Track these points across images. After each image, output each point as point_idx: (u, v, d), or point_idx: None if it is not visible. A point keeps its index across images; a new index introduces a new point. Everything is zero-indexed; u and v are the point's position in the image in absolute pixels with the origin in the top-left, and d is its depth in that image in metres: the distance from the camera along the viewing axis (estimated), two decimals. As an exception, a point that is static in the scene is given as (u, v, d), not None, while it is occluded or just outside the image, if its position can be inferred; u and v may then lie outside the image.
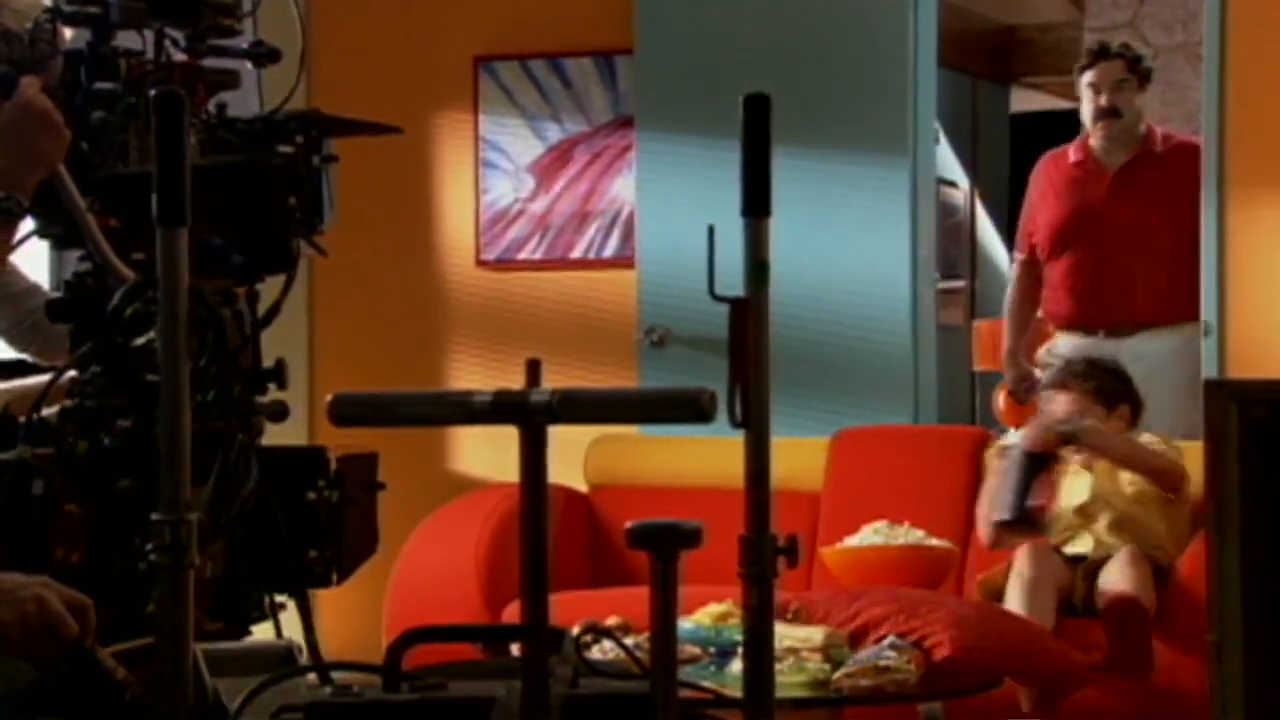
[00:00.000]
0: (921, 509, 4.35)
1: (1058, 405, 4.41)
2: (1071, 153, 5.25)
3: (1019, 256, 5.32)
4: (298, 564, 2.12)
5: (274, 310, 2.16)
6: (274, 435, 2.22)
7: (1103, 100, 5.14)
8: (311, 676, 1.87)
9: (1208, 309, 5.09)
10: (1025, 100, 8.43)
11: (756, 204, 1.56)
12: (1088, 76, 5.19)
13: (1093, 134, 5.19)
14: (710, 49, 5.27)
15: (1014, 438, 4.30)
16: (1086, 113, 5.20)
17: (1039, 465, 4.04)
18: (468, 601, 4.50)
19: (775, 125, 1.57)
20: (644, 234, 5.39)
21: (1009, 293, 5.33)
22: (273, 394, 2.16)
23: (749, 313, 1.52)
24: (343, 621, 5.34)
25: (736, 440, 1.56)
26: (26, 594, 1.70)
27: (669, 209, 5.28)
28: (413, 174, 5.70)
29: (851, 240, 5.06)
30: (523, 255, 5.62)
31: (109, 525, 1.99)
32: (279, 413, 2.13)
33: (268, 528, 2.10)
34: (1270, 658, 1.65)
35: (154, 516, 1.44)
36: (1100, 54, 5.25)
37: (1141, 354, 4.95)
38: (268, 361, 2.16)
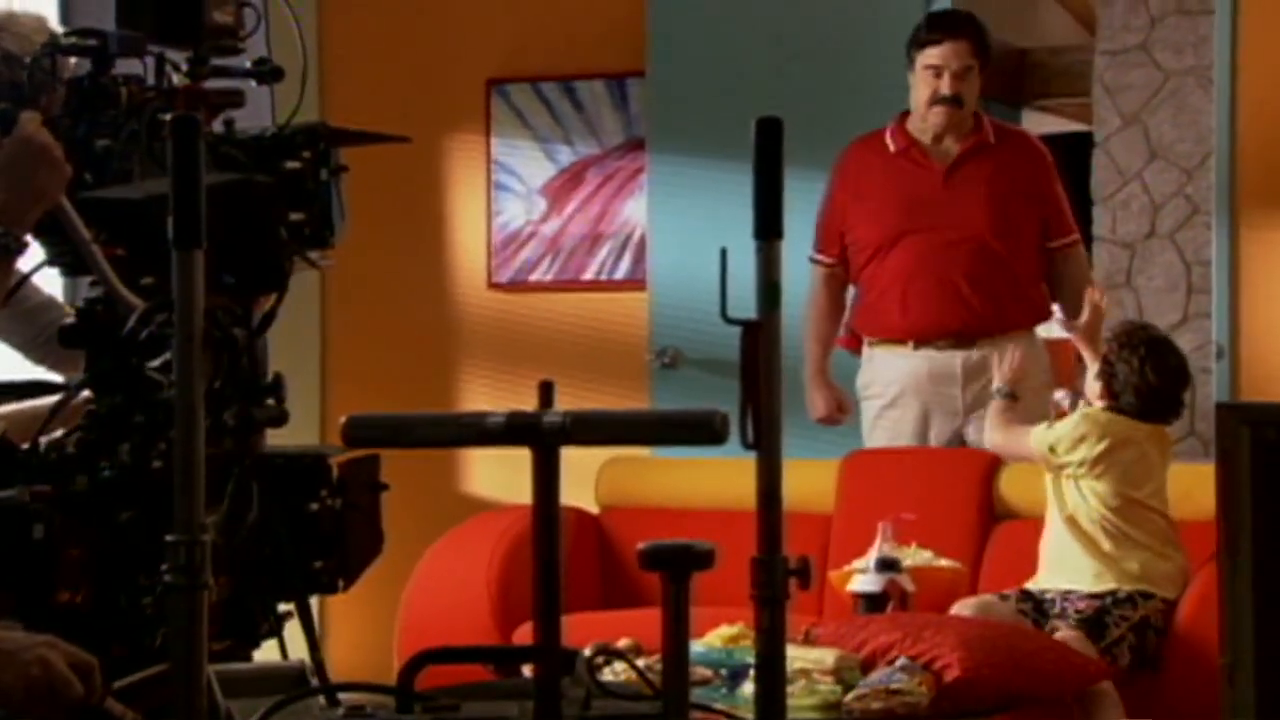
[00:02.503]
0: (931, 531, 4.34)
1: (936, 55, 4.35)
2: (891, 141, 4.61)
3: (824, 260, 4.67)
4: (303, 575, 2.12)
5: (267, 320, 2.17)
6: (280, 440, 2.22)
7: (945, 86, 4.49)
8: (323, 698, 1.87)
9: (1219, 331, 5.08)
10: (1037, 123, 8.43)
11: (768, 226, 1.56)
12: (929, 55, 4.50)
13: (924, 120, 4.56)
14: (722, 72, 5.28)
15: (860, 570, 4.08)
16: (921, 96, 4.53)
17: (879, 604, 4.04)
18: (479, 623, 4.49)
19: (787, 148, 1.57)
20: (655, 256, 5.39)
21: (811, 303, 4.66)
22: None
23: (761, 335, 1.52)
24: (354, 642, 5.34)
25: (748, 462, 1.56)
26: (30, 656, 1.68)
27: (680, 231, 5.29)
28: (425, 195, 5.72)
29: (863, 262, 5.05)
30: (534, 277, 5.63)
31: (112, 563, 1.99)
32: (278, 418, 2.13)
33: (272, 540, 2.11)
34: (1282, 681, 1.64)
35: (169, 537, 1.44)
36: (946, 28, 4.54)
37: (982, 368, 4.47)
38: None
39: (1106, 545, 4.08)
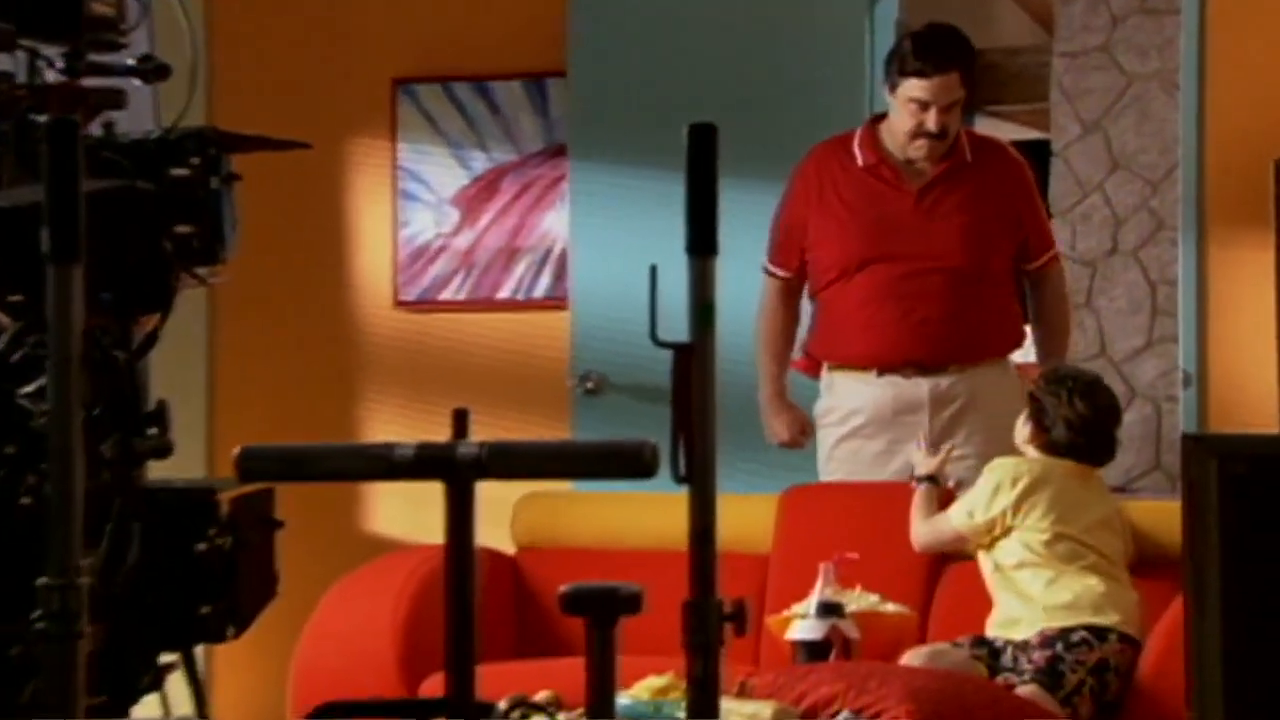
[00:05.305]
0: (877, 572, 4.36)
1: (923, 90, 4.43)
2: (860, 153, 4.60)
3: (779, 273, 4.69)
4: (189, 621, 2.11)
5: (150, 341, 2.16)
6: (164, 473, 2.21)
7: (931, 122, 4.49)
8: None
9: (1186, 357, 5.14)
10: (990, 130, 8.51)
11: (702, 241, 1.57)
12: (915, 87, 4.48)
13: (904, 150, 4.56)
14: (650, 72, 5.30)
15: (800, 615, 4.12)
16: (903, 126, 4.52)
17: (821, 653, 4.08)
18: (383, 673, 4.47)
19: (722, 156, 1.59)
20: (578, 273, 5.40)
21: (764, 319, 4.70)
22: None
23: (693, 359, 1.53)
24: (244, 696, 5.30)
25: (679, 497, 1.57)
26: None
27: (605, 246, 5.30)
28: (325, 205, 5.70)
29: (803, 280, 5.07)
30: (445, 295, 5.62)
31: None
32: (161, 449, 2.12)
33: (154, 584, 2.09)
34: (1254, 733, 1.66)
35: (41, 581, 1.43)
36: (935, 63, 4.48)
37: (951, 396, 4.54)
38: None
39: (1038, 587, 4.14)
